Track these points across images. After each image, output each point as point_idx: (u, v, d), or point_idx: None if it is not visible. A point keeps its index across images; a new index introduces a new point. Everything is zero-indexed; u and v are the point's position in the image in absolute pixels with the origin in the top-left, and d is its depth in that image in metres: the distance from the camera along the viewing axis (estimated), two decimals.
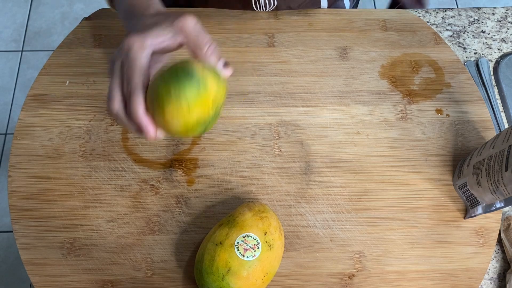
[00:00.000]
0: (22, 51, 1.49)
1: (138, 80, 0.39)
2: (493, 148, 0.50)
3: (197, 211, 0.56)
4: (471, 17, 0.71)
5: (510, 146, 0.46)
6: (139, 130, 0.40)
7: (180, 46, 0.42)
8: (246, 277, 0.47)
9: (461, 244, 0.55)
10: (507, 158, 0.46)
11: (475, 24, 0.70)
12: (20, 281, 1.22)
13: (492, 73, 0.68)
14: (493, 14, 0.71)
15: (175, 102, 0.38)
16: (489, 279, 0.57)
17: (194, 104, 0.38)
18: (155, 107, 0.39)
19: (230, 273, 0.46)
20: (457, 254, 0.55)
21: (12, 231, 0.55)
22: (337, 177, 0.58)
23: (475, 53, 0.69)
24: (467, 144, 0.60)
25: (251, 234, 0.48)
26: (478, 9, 0.71)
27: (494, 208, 0.52)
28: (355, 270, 0.54)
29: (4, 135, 1.38)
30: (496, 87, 0.67)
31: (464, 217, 0.56)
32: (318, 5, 0.68)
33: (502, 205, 0.50)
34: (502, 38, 0.69)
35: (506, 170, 0.46)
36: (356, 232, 0.56)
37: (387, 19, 0.67)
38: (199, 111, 0.39)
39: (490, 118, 0.61)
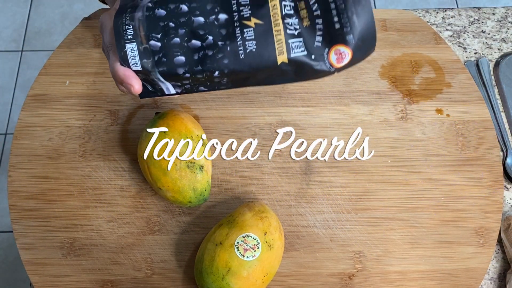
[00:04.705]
0: (22, 51, 1.49)
1: (107, 40, 0.40)
2: None
3: (197, 211, 0.56)
4: (471, 17, 0.71)
5: None
6: (124, 85, 0.40)
7: None
8: (246, 277, 0.47)
9: (461, 244, 0.55)
10: None
11: (475, 24, 0.70)
12: (20, 281, 1.21)
13: (492, 73, 0.68)
14: (493, 14, 0.71)
15: None
16: (489, 279, 0.57)
17: None
18: None
19: (230, 273, 0.46)
20: (457, 254, 0.55)
21: (12, 231, 0.55)
22: (337, 177, 0.58)
23: (475, 53, 0.69)
24: (467, 144, 0.60)
25: (251, 234, 0.48)
26: (478, 9, 0.71)
27: None
28: (355, 270, 0.54)
29: (4, 135, 1.38)
30: (496, 87, 0.67)
31: None
32: None
33: None
34: (502, 38, 0.69)
35: None
36: (356, 232, 0.55)
37: (387, 19, 0.67)
38: None
39: (490, 118, 0.61)
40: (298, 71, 0.39)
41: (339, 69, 0.39)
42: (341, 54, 0.38)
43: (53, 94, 0.61)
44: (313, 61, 0.38)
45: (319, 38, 0.38)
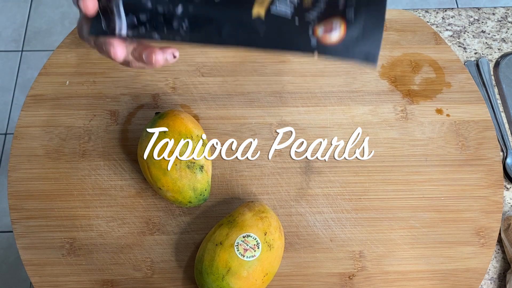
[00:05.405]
0: (22, 51, 1.49)
1: None
2: None
3: (197, 211, 0.56)
4: (471, 17, 0.71)
5: None
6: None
7: None
8: (246, 277, 0.47)
9: (461, 244, 0.55)
10: None
11: (475, 24, 0.70)
12: (20, 281, 1.21)
13: (492, 73, 0.68)
14: (493, 14, 0.71)
15: None
16: (489, 279, 0.57)
17: None
18: None
19: (230, 273, 0.46)
20: (457, 254, 0.55)
21: (12, 231, 0.55)
22: (337, 177, 0.58)
23: (475, 53, 0.69)
24: (467, 144, 0.60)
25: (251, 234, 0.48)
26: (478, 9, 0.71)
27: None
28: (355, 270, 0.54)
29: (4, 135, 1.38)
30: (496, 87, 0.67)
31: None
32: None
33: None
34: (502, 38, 0.69)
35: None
36: (356, 232, 0.55)
37: (387, 19, 0.67)
38: None
39: (490, 118, 0.61)
40: (271, 30, 0.34)
41: (323, 48, 0.32)
42: (332, 25, 0.32)
43: (53, 94, 0.61)
44: (294, 21, 0.33)
45: (313, 13, 0.33)
